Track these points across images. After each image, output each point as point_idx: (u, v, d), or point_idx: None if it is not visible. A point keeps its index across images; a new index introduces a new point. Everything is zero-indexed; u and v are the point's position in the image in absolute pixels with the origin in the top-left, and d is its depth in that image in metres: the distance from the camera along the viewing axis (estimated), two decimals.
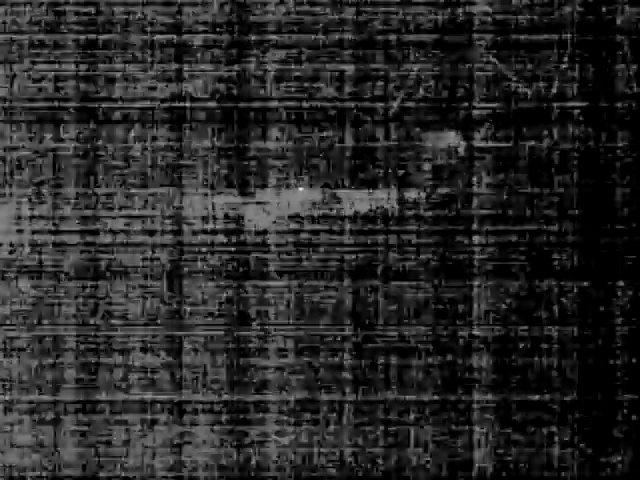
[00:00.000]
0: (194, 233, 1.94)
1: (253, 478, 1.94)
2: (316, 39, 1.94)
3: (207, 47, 1.94)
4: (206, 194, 1.94)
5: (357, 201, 1.94)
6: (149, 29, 1.94)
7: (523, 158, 1.94)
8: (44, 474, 1.93)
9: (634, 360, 1.95)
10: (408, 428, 1.94)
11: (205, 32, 1.94)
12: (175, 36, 1.94)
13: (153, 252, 1.93)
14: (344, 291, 1.94)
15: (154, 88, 1.94)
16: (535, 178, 1.95)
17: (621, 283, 1.94)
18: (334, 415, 1.94)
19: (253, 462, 1.94)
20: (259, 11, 1.94)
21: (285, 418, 1.94)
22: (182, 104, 1.94)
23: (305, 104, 1.94)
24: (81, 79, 1.94)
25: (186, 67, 1.94)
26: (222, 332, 1.94)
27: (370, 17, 1.94)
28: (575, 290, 1.95)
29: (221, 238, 1.94)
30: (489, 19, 1.94)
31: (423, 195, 1.94)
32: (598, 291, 1.95)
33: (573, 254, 1.95)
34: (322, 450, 1.94)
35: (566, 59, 1.94)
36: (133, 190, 1.94)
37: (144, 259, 1.93)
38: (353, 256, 1.94)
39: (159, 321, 1.94)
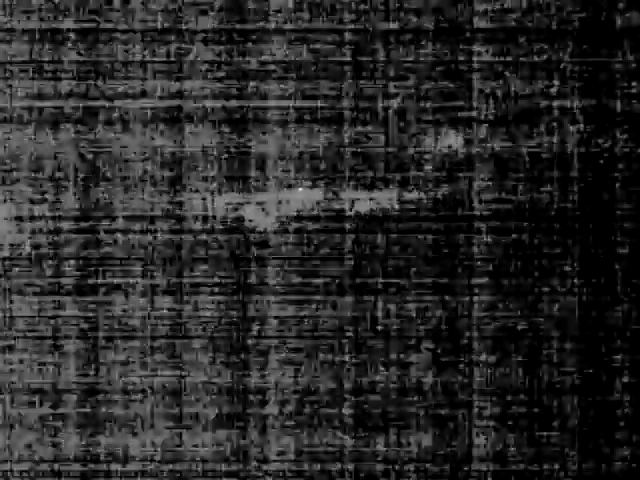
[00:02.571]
0: (194, 233, 1.94)
1: None
2: (316, 36, 1.94)
3: (207, 45, 1.94)
4: (207, 192, 1.94)
5: (357, 201, 1.94)
6: (150, 30, 1.94)
7: (522, 157, 1.95)
8: None
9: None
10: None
11: (205, 31, 1.94)
12: (175, 35, 1.94)
13: (153, 252, 1.93)
14: (344, 291, 1.95)
15: (154, 87, 1.94)
16: (535, 177, 1.95)
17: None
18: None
19: None
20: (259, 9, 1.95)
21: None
22: (181, 102, 1.94)
23: (305, 104, 1.94)
24: (80, 76, 1.94)
25: (186, 65, 1.94)
26: (222, 331, 1.95)
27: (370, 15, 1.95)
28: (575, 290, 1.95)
29: (221, 238, 1.94)
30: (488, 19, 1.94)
31: (423, 195, 1.94)
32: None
33: (573, 254, 1.95)
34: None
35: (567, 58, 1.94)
36: (133, 190, 1.94)
37: (144, 259, 1.93)
38: (353, 256, 1.94)
39: (159, 319, 1.94)
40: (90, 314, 1.94)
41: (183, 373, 1.94)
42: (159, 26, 1.94)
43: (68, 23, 1.94)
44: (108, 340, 1.94)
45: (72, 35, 1.93)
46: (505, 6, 1.94)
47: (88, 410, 1.94)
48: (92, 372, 1.94)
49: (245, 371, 1.94)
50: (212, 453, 1.94)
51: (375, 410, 1.95)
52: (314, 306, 1.94)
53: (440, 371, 1.94)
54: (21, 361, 1.94)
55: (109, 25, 1.94)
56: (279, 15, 1.94)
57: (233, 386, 1.94)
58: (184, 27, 1.94)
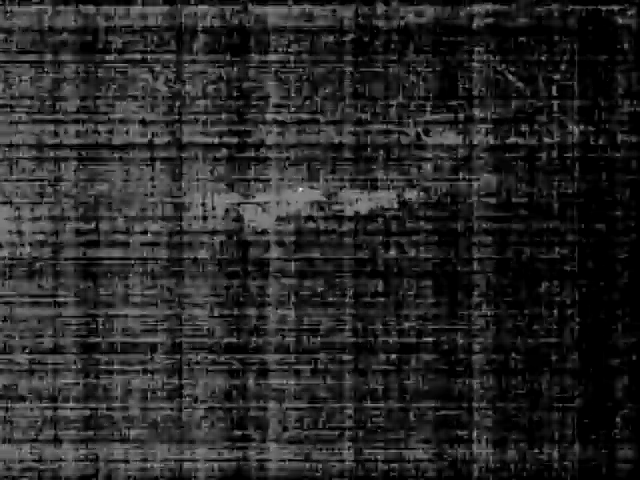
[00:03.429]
0: (194, 233, 1.94)
1: None
2: (316, 38, 1.95)
3: (207, 44, 1.95)
4: (207, 192, 1.95)
5: (357, 201, 1.94)
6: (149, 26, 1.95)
7: (522, 157, 1.95)
8: None
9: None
10: None
11: (205, 31, 1.95)
12: (175, 33, 1.95)
13: (153, 252, 1.94)
14: (344, 290, 1.94)
15: (154, 86, 1.95)
16: (534, 177, 1.95)
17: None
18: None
19: None
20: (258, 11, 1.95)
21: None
22: (181, 101, 1.95)
23: (305, 103, 1.95)
24: (80, 78, 1.95)
25: (186, 65, 1.95)
26: (222, 331, 1.95)
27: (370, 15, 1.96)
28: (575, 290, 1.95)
29: (221, 238, 1.94)
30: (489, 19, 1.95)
31: (423, 195, 1.94)
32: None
33: (573, 254, 1.95)
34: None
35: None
36: (133, 190, 1.94)
37: (144, 259, 1.94)
38: (353, 256, 1.94)
39: (159, 321, 1.94)
40: (89, 318, 1.94)
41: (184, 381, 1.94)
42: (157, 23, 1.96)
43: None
44: (108, 345, 1.94)
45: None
46: (505, 5, 1.95)
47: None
48: (92, 379, 1.94)
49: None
50: None
51: None
52: (314, 307, 1.94)
53: (436, 379, 1.95)
54: (20, 362, 1.94)
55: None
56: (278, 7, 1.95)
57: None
58: (183, 24, 1.95)
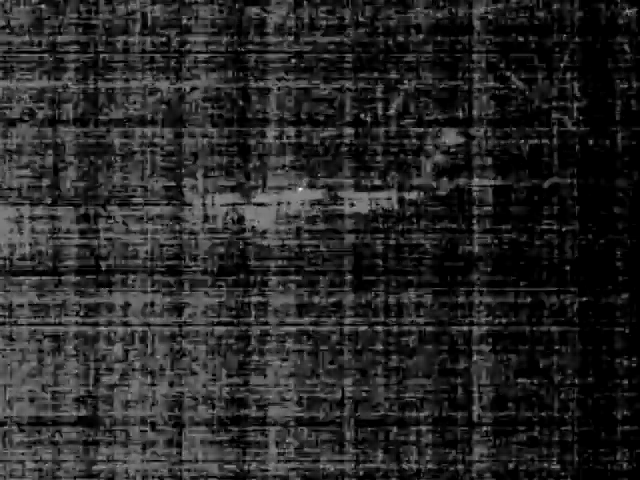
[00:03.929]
0: (194, 233, 1.94)
1: None
2: (316, 39, 1.95)
3: (207, 45, 1.95)
4: (207, 192, 1.95)
5: (357, 201, 1.94)
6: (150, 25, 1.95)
7: (522, 157, 1.95)
8: None
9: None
10: None
11: (205, 32, 1.95)
12: (176, 35, 1.95)
13: (153, 252, 1.93)
14: (344, 289, 1.95)
15: (154, 86, 1.94)
16: (534, 176, 1.96)
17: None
18: None
19: None
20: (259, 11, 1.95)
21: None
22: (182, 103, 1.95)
23: (305, 102, 1.95)
24: (80, 75, 1.95)
25: (186, 65, 1.95)
26: (223, 329, 1.95)
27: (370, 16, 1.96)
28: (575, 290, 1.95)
29: (221, 238, 1.94)
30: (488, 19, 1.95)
31: (423, 195, 1.94)
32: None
33: (573, 255, 1.95)
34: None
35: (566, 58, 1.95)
36: (133, 190, 1.94)
37: (144, 259, 1.93)
38: (353, 256, 1.94)
39: (159, 321, 1.94)
40: (89, 315, 1.94)
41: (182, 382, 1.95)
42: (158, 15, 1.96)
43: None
44: (108, 342, 1.94)
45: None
46: (504, 5, 1.95)
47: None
48: (91, 379, 1.94)
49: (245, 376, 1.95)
50: None
51: None
52: (314, 307, 1.94)
53: (440, 381, 1.95)
54: (21, 362, 1.94)
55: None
56: (280, 12, 1.95)
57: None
58: (184, 22, 1.95)
